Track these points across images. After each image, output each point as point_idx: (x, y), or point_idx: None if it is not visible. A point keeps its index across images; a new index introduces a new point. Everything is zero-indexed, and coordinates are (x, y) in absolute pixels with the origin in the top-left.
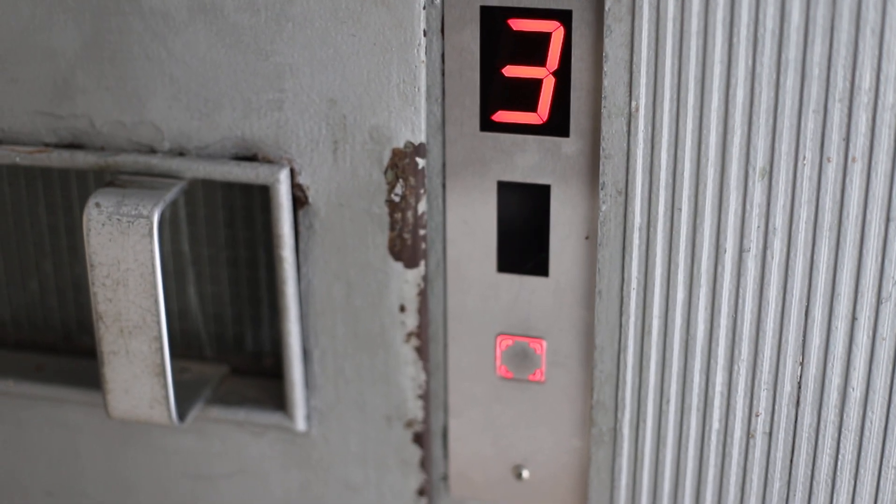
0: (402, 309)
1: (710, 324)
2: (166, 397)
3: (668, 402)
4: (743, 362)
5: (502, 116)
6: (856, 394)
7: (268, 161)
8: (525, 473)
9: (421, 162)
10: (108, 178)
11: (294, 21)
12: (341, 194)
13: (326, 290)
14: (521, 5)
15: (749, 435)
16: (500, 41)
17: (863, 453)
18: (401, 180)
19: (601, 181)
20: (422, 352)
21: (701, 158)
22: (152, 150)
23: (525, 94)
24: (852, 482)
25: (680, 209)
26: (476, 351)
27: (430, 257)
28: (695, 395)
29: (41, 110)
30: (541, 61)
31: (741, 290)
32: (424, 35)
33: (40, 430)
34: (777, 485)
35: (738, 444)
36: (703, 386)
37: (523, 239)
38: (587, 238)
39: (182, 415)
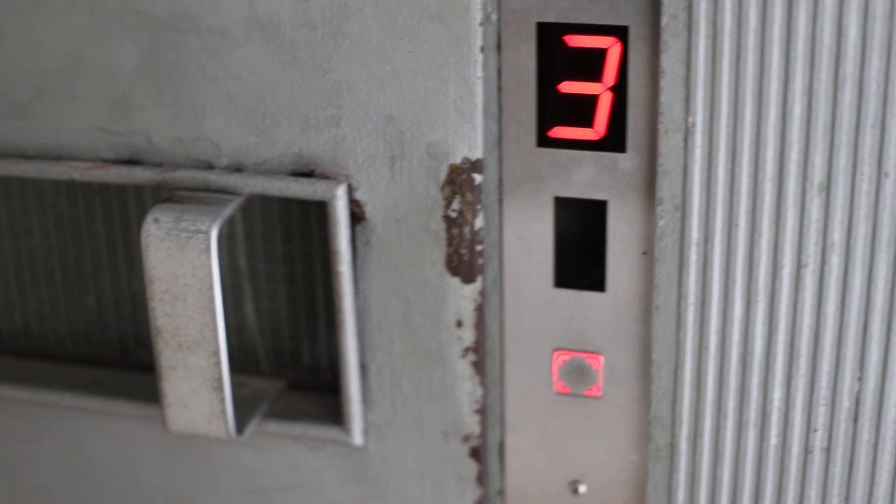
0: (459, 324)
1: (768, 339)
2: (224, 411)
3: (725, 417)
4: (801, 378)
5: (559, 132)
6: None
7: (325, 177)
8: (582, 489)
9: (478, 178)
10: (165, 194)
11: (351, 38)
12: (398, 210)
13: (383, 306)
14: (578, 21)
15: (807, 451)
16: (557, 57)
17: None
18: (458, 196)
19: (658, 197)
20: (479, 367)
21: (758, 174)
22: (210, 166)
23: (582, 110)
24: None
25: (737, 224)
26: (533, 366)
27: (487, 273)
28: (752, 411)
29: (99, 126)
30: (597, 77)
31: (799, 306)
32: (481, 51)
33: (98, 445)
34: (835, 501)
35: (796, 459)
36: (761, 401)
37: (580, 255)
38: (644, 254)
39: (240, 429)
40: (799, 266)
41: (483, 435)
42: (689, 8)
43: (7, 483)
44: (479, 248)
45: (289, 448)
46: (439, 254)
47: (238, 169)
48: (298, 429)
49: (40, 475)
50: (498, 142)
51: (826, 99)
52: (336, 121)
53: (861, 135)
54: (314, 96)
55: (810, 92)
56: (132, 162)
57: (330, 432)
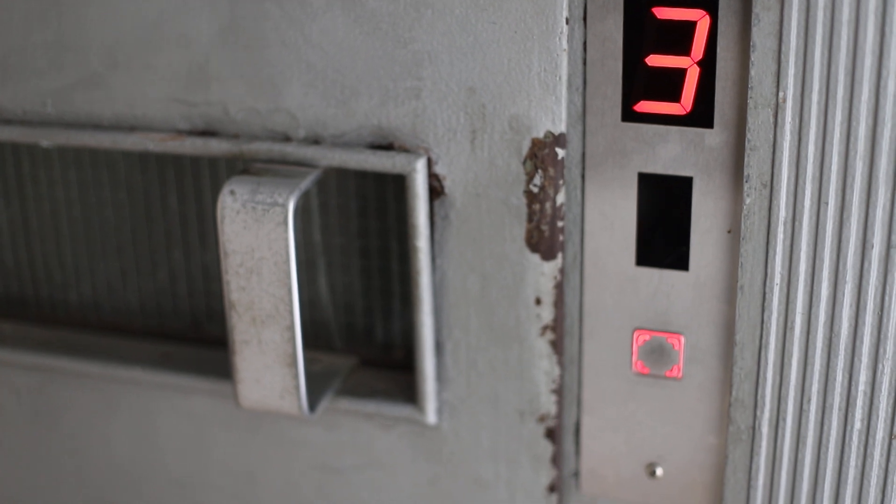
0: (538, 302)
1: (855, 321)
2: (297, 388)
3: (808, 400)
4: (888, 361)
5: (644, 107)
6: None
7: (404, 150)
8: (659, 471)
9: (561, 152)
10: (241, 167)
11: (433, 8)
12: (478, 184)
13: (461, 282)
14: None
15: (892, 436)
16: (644, 30)
17: None
18: (540, 171)
19: (746, 174)
20: (557, 346)
21: (849, 151)
22: (287, 138)
23: (668, 84)
24: None
25: (827, 203)
26: (612, 346)
27: (568, 250)
28: (837, 395)
29: (175, 97)
30: (685, 51)
31: (888, 287)
32: (567, 23)
33: (167, 420)
34: None
35: (879, 445)
36: (846, 385)
37: (663, 232)
38: (729, 232)
39: (312, 406)
40: (889, 246)
41: (559, 415)
42: None
43: (77, 457)
44: (560, 224)
45: (361, 426)
46: (519, 229)
47: (315, 141)
48: (371, 406)
49: (111, 450)
50: (582, 116)
51: None
52: (416, 92)
53: None
54: (394, 67)
55: None
56: (208, 133)
57: (403, 410)
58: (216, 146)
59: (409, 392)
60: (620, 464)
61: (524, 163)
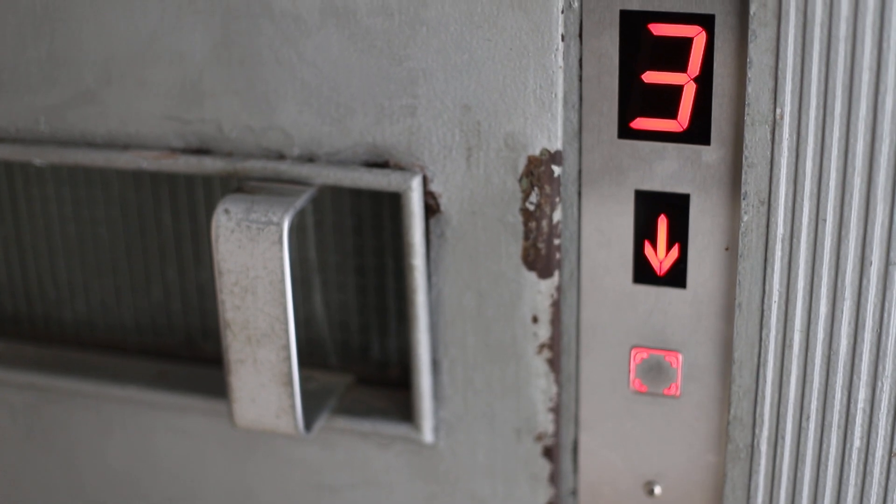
0: (535, 320)
1: (854, 339)
2: (293, 407)
3: (807, 418)
4: (887, 379)
5: (641, 123)
6: None
7: (399, 168)
8: (657, 490)
9: (557, 170)
10: (235, 185)
11: (428, 25)
12: (474, 202)
13: (457, 300)
14: (663, 9)
15: (892, 454)
16: (640, 46)
17: None
18: (536, 188)
19: (743, 191)
20: (554, 364)
21: (847, 168)
22: (281, 156)
23: (665, 101)
24: None
25: (825, 220)
26: (609, 363)
27: (564, 267)
28: (836, 412)
29: (169, 114)
30: (682, 67)
31: (887, 304)
32: (562, 40)
33: (162, 438)
34: None
35: (879, 463)
36: (845, 403)
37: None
38: (727, 249)
39: (308, 425)
40: (888, 263)
41: (557, 433)
42: None
43: (71, 476)
44: (556, 241)
45: (357, 445)
46: (516, 247)
47: (310, 159)
48: (367, 425)
49: (106, 469)
50: (578, 133)
51: None
52: (412, 110)
53: None
54: (390, 85)
55: None
56: (202, 151)
57: (400, 429)
58: (210, 164)
59: (405, 410)
60: (618, 482)
61: (520, 180)
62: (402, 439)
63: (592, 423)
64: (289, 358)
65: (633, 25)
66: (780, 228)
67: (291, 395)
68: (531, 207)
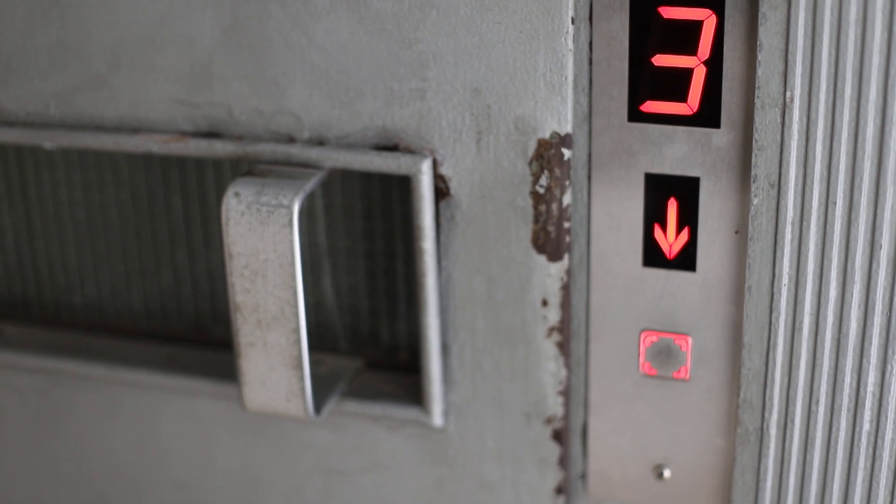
0: (545, 303)
1: (864, 322)
2: (303, 390)
3: (817, 402)
4: None
5: (651, 107)
6: None
7: (409, 151)
8: (666, 473)
9: (567, 153)
10: (245, 168)
11: (438, 8)
12: (484, 186)
13: (467, 284)
14: None
15: None
16: (650, 29)
17: None
18: (546, 172)
19: (753, 174)
20: (563, 347)
21: (857, 151)
22: (291, 140)
23: (675, 84)
24: None
25: (835, 203)
26: (619, 347)
27: (574, 251)
28: (845, 396)
29: (178, 98)
30: (692, 50)
31: None
32: (572, 23)
33: (172, 422)
34: None
35: (888, 446)
36: (855, 386)
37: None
38: (737, 232)
39: (318, 408)
40: None
41: (566, 417)
42: None
43: (80, 460)
44: (566, 225)
45: (366, 428)
46: (525, 231)
47: (320, 142)
48: (377, 409)
49: (114, 453)
50: (588, 116)
51: None
52: (421, 93)
53: None
54: (399, 68)
55: None
56: (211, 135)
57: (409, 413)
58: (220, 148)
59: (414, 394)
60: (628, 466)
61: (530, 164)
62: (411, 423)
63: (602, 407)
64: (299, 341)
65: (643, 8)
66: (790, 212)
67: (301, 378)
68: (541, 191)
